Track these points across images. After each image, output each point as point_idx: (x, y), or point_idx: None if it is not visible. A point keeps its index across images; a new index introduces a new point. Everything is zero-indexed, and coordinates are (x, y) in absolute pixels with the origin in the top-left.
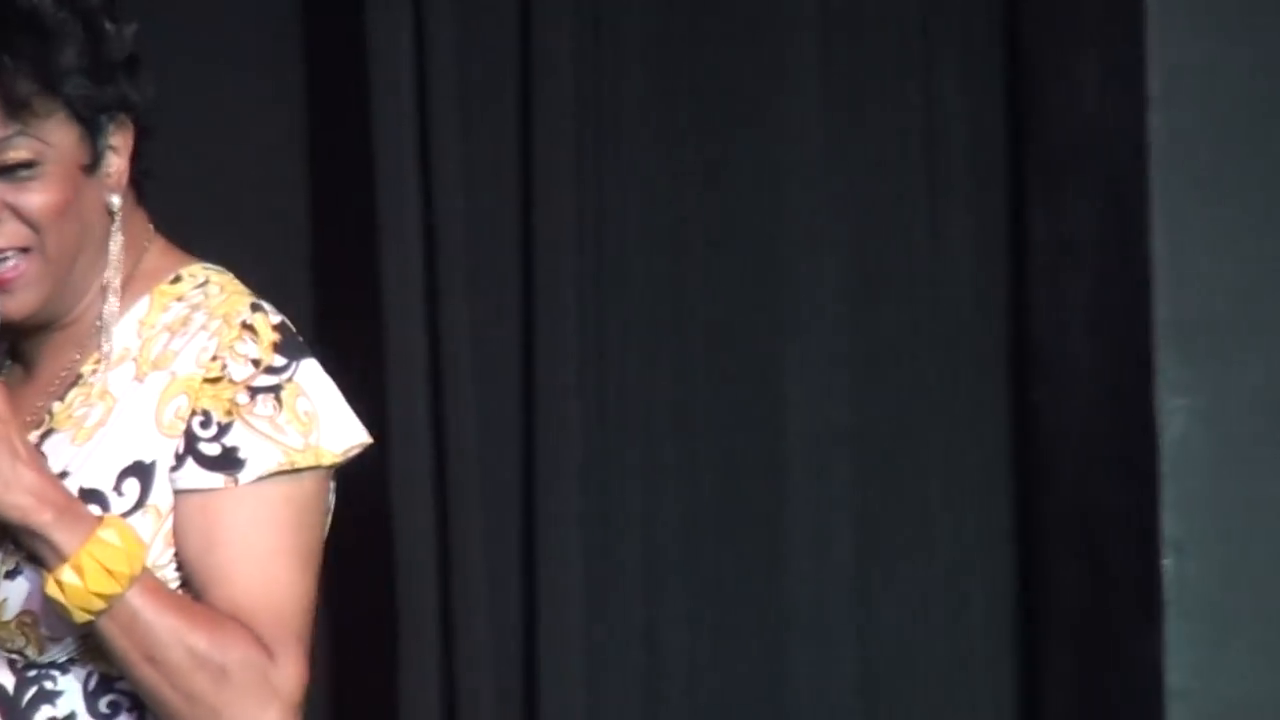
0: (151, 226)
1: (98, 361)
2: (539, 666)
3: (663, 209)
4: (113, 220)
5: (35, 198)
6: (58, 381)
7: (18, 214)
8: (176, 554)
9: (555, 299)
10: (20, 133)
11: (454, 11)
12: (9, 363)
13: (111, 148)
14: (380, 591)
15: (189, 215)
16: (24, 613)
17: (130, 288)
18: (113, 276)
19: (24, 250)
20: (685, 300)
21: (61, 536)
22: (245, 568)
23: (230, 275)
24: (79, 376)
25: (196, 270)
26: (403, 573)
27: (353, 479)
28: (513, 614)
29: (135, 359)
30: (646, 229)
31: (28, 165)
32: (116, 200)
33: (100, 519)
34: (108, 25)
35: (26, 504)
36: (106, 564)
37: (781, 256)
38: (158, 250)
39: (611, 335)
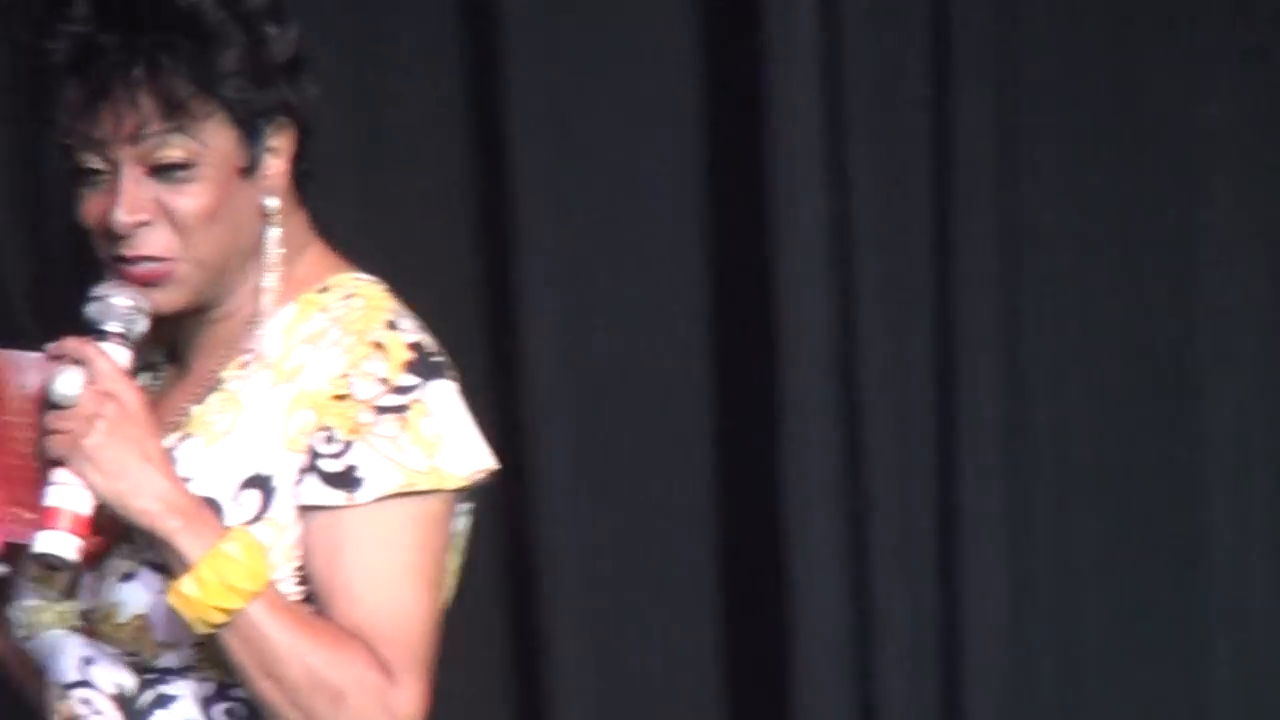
0: (312, 230)
1: (241, 366)
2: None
3: (1080, 216)
4: (268, 222)
5: (188, 200)
6: (203, 384)
7: (169, 217)
8: (302, 569)
9: (975, 315)
10: (176, 131)
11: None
12: (165, 363)
13: (270, 149)
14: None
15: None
16: (138, 616)
17: (280, 292)
18: (270, 280)
19: (171, 259)
20: (1101, 311)
21: (186, 545)
22: (367, 588)
23: (381, 288)
24: (220, 380)
25: (346, 280)
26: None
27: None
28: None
29: (273, 368)
30: (1064, 233)
31: (183, 166)
32: (274, 202)
33: (226, 530)
34: (270, 28)
35: (154, 509)
36: (229, 578)
37: (1199, 260)
38: (313, 256)
39: (1029, 349)
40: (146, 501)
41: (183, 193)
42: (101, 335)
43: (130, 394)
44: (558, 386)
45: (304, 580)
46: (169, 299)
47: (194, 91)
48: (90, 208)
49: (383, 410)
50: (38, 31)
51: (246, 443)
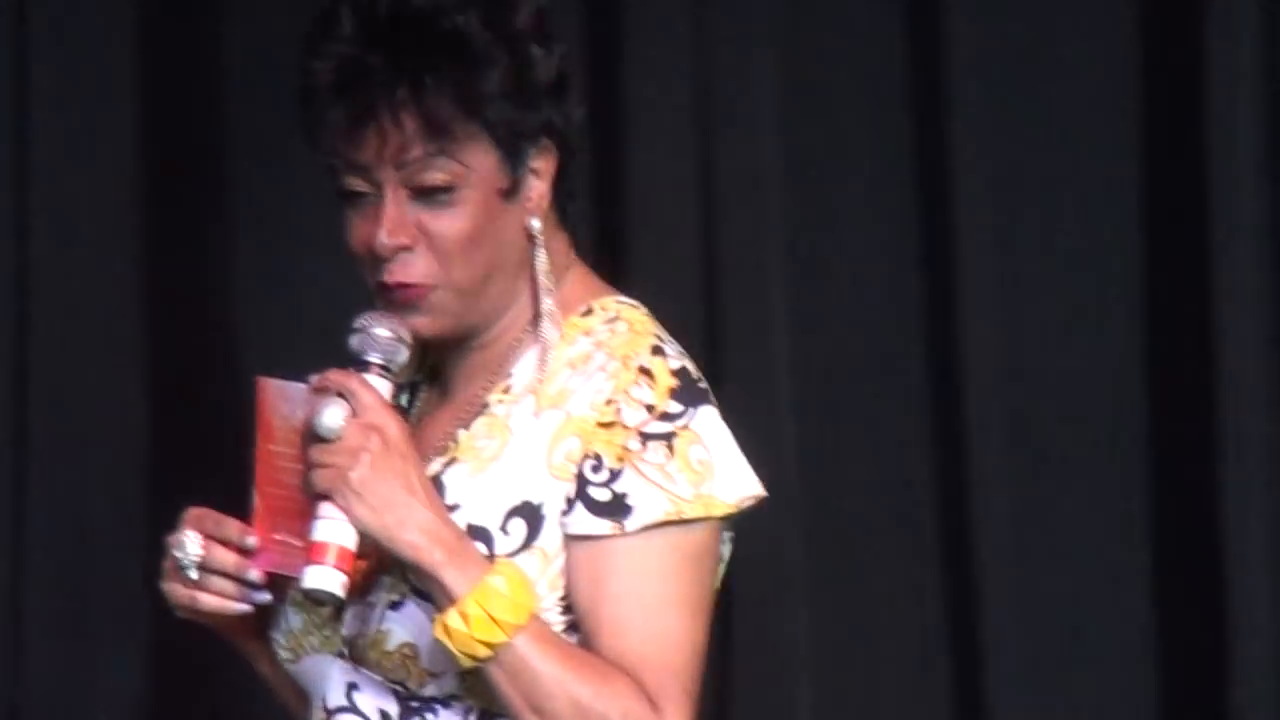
0: (573, 252)
1: (505, 391)
2: None
3: None
4: (534, 244)
5: (450, 224)
6: (468, 409)
7: (431, 241)
8: (566, 598)
9: None
10: (440, 153)
11: None
12: (426, 386)
13: (533, 171)
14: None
15: None
16: (405, 645)
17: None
18: (548, 301)
19: (431, 285)
20: None
21: (451, 578)
22: (633, 617)
23: (644, 312)
24: (485, 405)
25: (610, 304)
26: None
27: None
28: None
29: (536, 393)
30: None
31: (446, 189)
32: (537, 224)
33: (492, 563)
34: (535, 50)
35: (419, 542)
36: (494, 612)
37: None
38: (575, 278)
39: None
40: (412, 535)
41: (445, 216)
42: (364, 366)
43: (394, 426)
44: (993, 397)
45: (568, 609)
46: (430, 325)
47: (457, 114)
48: (356, 231)
49: (650, 437)
50: (306, 51)
51: (514, 470)
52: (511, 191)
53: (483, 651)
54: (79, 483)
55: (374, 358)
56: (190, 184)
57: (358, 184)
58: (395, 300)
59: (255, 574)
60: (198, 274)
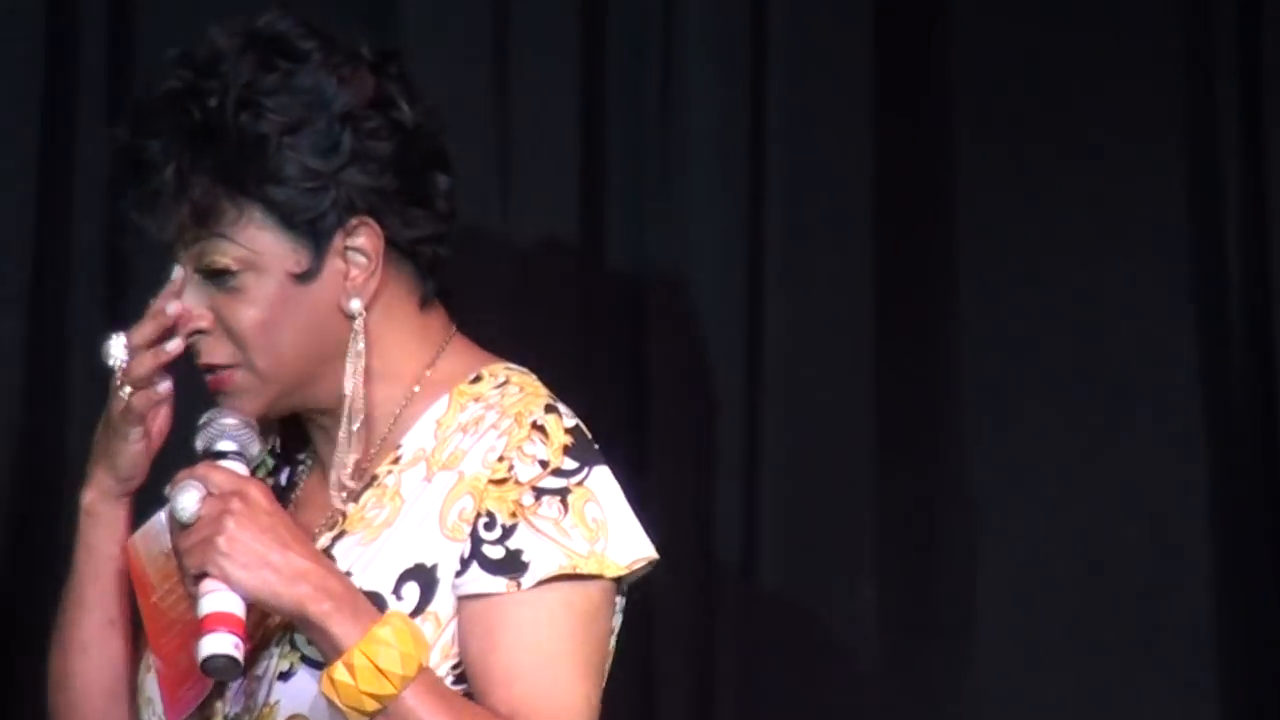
0: (452, 325)
1: (395, 461)
2: None
3: None
4: (352, 323)
5: (237, 308)
6: (347, 487)
7: (225, 327)
8: (458, 665)
9: None
10: (217, 236)
11: None
12: (307, 468)
13: (351, 249)
14: None
15: None
16: (295, 716)
17: (428, 388)
18: (352, 389)
19: (234, 365)
20: None
21: (339, 628)
22: (525, 671)
23: (533, 376)
24: (374, 478)
25: (498, 370)
26: None
27: None
28: None
29: (428, 459)
30: None
31: (229, 273)
32: (356, 304)
33: (378, 614)
34: (317, 123)
35: (302, 592)
36: (380, 663)
37: None
38: (456, 349)
39: None
40: (294, 586)
41: (233, 300)
42: (218, 457)
43: (253, 488)
44: None
45: (461, 677)
46: (243, 407)
47: (224, 196)
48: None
49: (544, 492)
50: (107, 140)
51: (407, 534)
52: (308, 274)
53: (370, 705)
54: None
55: (222, 445)
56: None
57: (174, 270)
58: (211, 385)
59: None
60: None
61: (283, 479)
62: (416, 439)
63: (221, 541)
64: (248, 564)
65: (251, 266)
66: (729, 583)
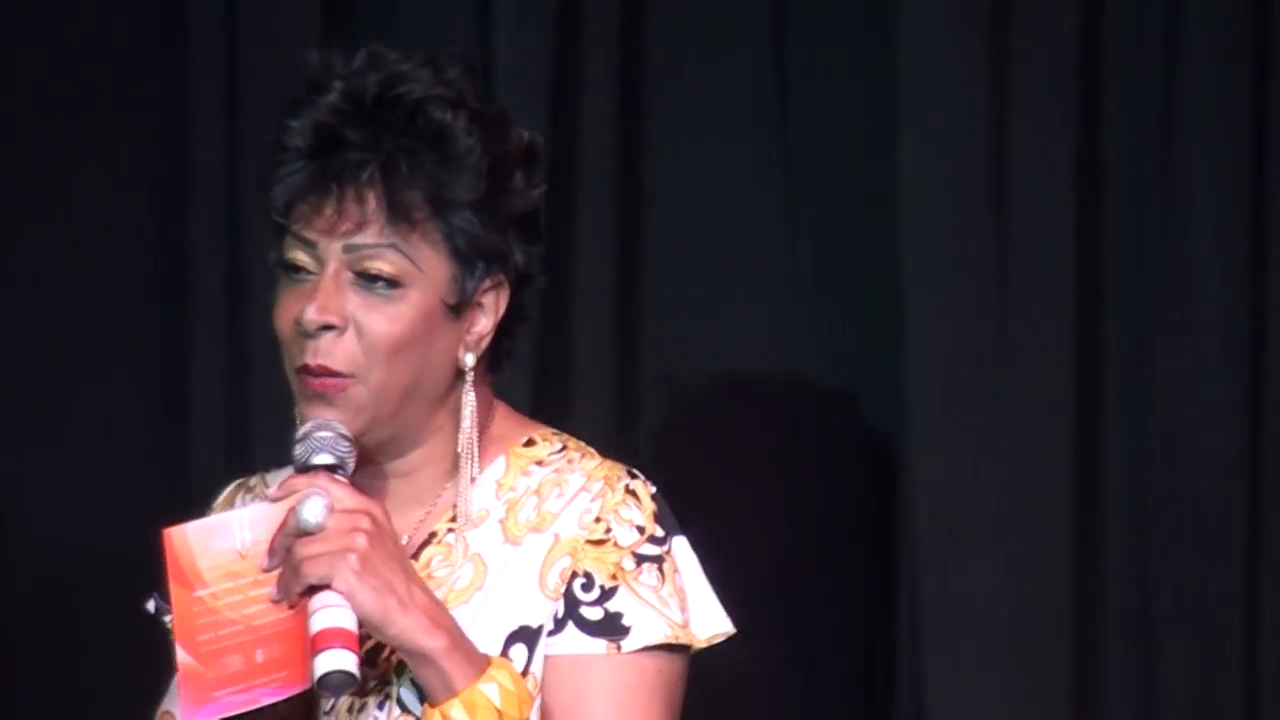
0: (493, 396)
1: (452, 520)
2: None
3: None
4: (462, 380)
5: (385, 319)
6: (406, 539)
7: (360, 331)
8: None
9: None
10: (394, 246)
11: None
12: None
13: (480, 305)
14: None
15: None
16: None
17: (484, 450)
18: (467, 443)
19: (349, 376)
20: None
21: (453, 667)
22: None
23: (581, 442)
24: (432, 535)
25: (548, 435)
26: None
27: None
28: None
29: (501, 521)
30: None
31: (390, 283)
32: (470, 359)
33: (490, 659)
34: (517, 176)
35: (421, 624)
36: (499, 705)
37: None
38: (501, 415)
39: None
40: (414, 618)
41: (382, 310)
42: (316, 470)
43: (378, 510)
44: None
45: None
46: (347, 422)
47: (423, 209)
48: (286, 307)
49: (643, 559)
50: (285, 112)
51: (505, 596)
52: (457, 309)
53: None
54: None
55: (321, 459)
56: None
57: (300, 258)
58: (311, 389)
59: None
60: None
61: None
62: (478, 500)
63: (354, 559)
64: (376, 586)
65: (411, 283)
66: None
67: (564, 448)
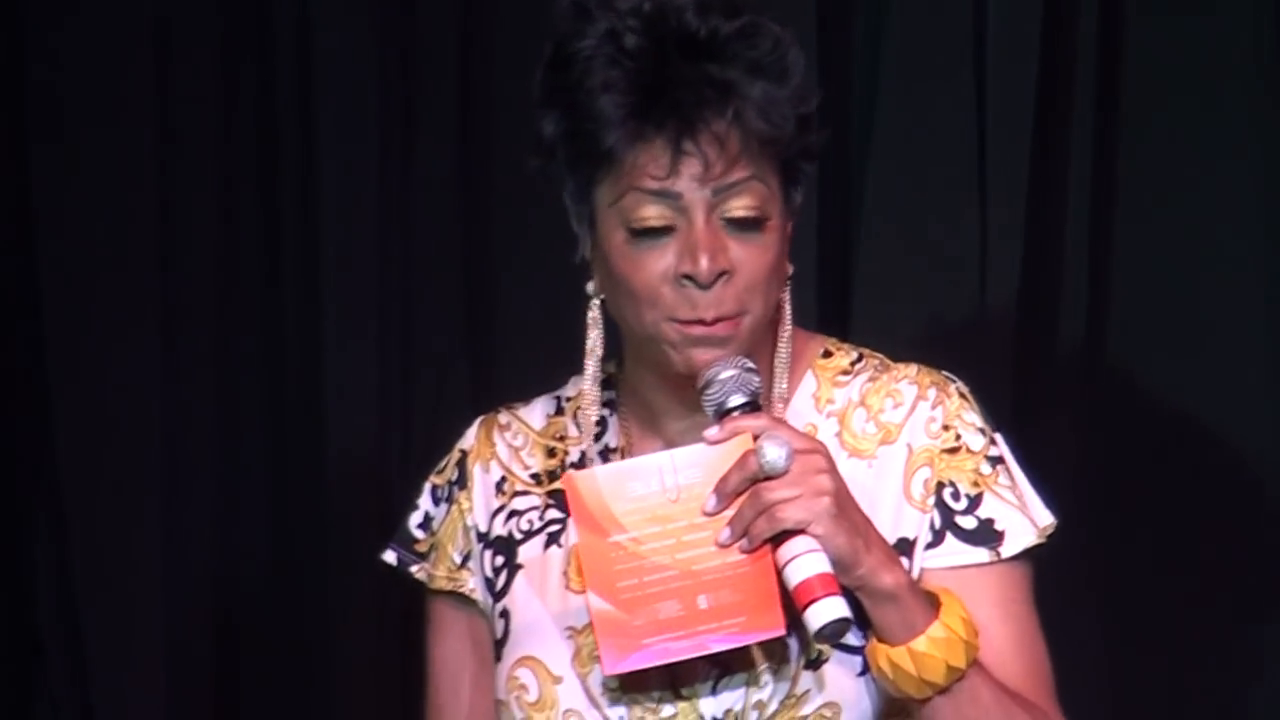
0: None
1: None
2: None
3: None
4: (786, 287)
5: (760, 252)
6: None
7: (740, 270)
8: None
9: None
10: (755, 178)
11: None
12: (614, 438)
13: (793, 210)
14: None
15: None
16: (827, 705)
17: (794, 365)
18: (785, 350)
19: (739, 315)
20: None
21: (915, 603)
22: (1018, 646)
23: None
24: None
25: (838, 344)
26: None
27: None
28: None
29: (838, 435)
30: None
31: (759, 218)
32: (790, 268)
33: (936, 591)
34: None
35: (884, 562)
36: (962, 634)
37: None
38: (792, 328)
39: None
40: (877, 555)
41: (755, 244)
42: (729, 415)
43: (824, 447)
44: None
45: None
46: (731, 352)
47: (772, 135)
48: (651, 266)
49: (994, 461)
50: (578, 77)
51: (870, 511)
52: (791, 221)
53: (941, 678)
54: None
55: (736, 399)
56: None
57: (658, 217)
58: (701, 337)
59: None
60: None
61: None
62: (799, 416)
63: (829, 502)
64: (849, 530)
65: (772, 210)
66: None
67: (861, 356)
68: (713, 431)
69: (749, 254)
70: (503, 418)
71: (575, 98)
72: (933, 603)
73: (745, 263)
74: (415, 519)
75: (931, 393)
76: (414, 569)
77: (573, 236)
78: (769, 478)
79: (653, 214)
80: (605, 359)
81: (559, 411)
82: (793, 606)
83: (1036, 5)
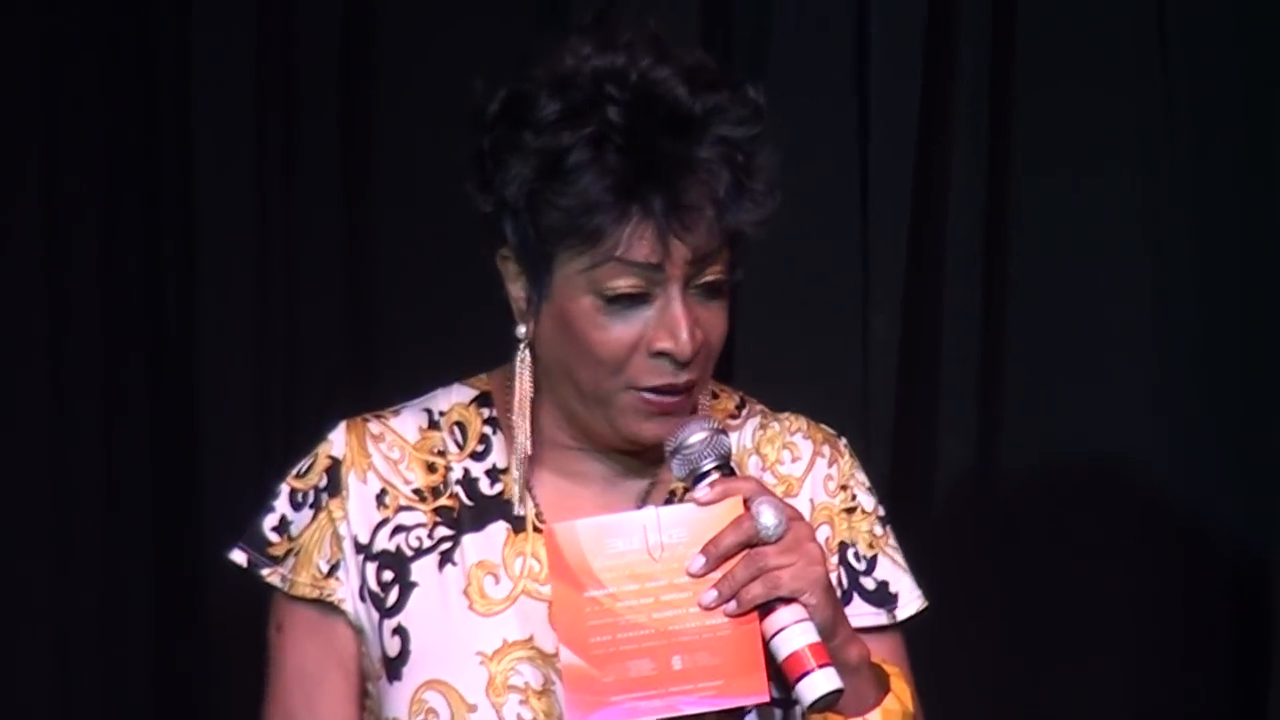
0: None
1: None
2: None
3: None
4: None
5: (719, 324)
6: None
7: (709, 338)
8: None
9: None
10: (723, 247)
11: None
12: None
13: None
14: None
15: None
16: None
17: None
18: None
19: (695, 385)
20: None
21: (871, 675)
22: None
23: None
24: (672, 493)
25: (716, 386)
26: None
27: None
28: None
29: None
30: None
31: (723, 284)
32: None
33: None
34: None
35: (851, 633)
36: (910, 707)
37: None
38: None
39: None
40: (847, 625)
41: (715, 309)
42: (703, 479)
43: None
44: None
45: None
46: (662, 434)
47: (757, 217)
48: (619, 335)
49: (884, 522)
50: (573, 160)
51: None
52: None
53: None
54: None
55: (709, 463)
56: None
57: (634, 286)
58: (658, 411)
59: None
60: None
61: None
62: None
63: (822, 572)
64: (833, 600)
65: (730, 277)
66: None
67: (744, 400)
68: (703, 493)
69: (712, 321)
70: (374, 427)
71: (554, 164)
72: (881, 675)
73: (711, 330)
74: (270, 521)
75: (826, 450)
76: (265, 572)
77: (460, 249)
78: (763, 542)
79: (630, 284)
80: (474, 373)
81: (432, 425)
82: (777, 674)
83: (918, 29)
